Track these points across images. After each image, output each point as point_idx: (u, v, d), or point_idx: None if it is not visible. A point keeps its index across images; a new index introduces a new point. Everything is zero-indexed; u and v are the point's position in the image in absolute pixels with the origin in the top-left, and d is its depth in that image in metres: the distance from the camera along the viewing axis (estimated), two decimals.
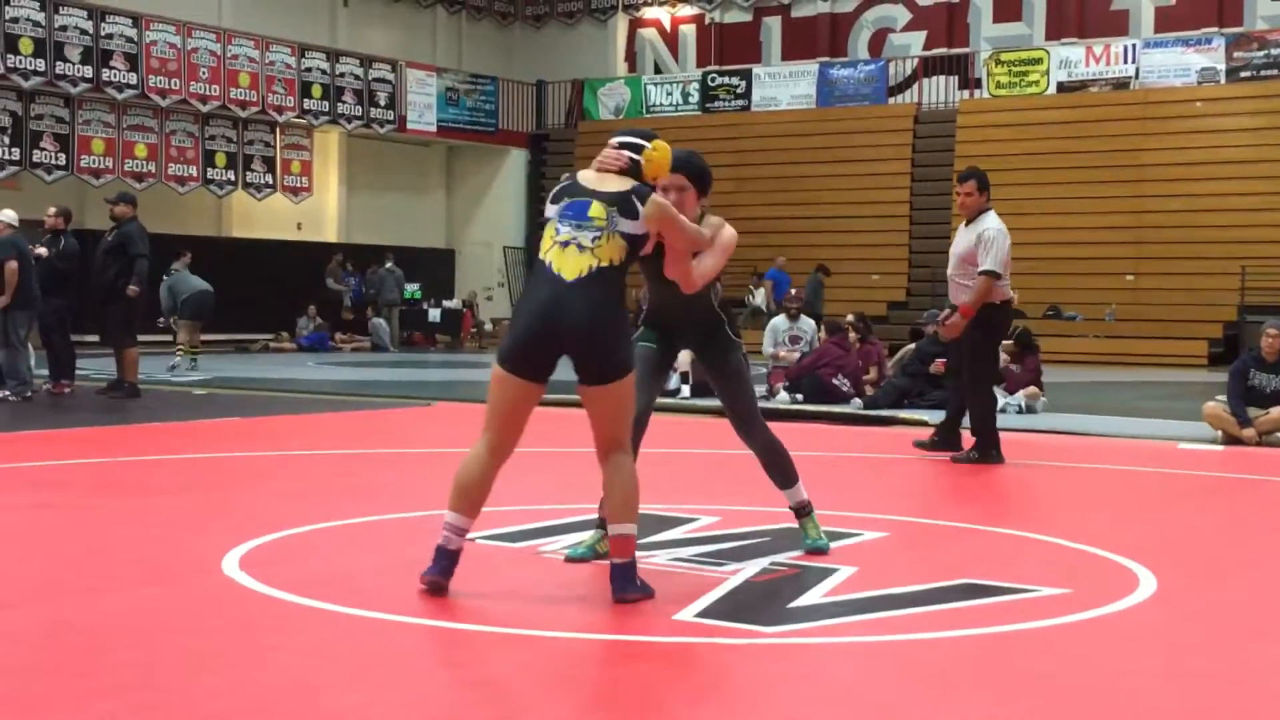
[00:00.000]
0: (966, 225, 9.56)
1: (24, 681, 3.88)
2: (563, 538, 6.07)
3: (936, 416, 10.46)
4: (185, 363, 17.76)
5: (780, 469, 5.89)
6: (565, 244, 4.93)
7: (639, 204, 4.98)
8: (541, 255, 5.00)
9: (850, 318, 15.52)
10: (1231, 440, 10.77)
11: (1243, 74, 25.18)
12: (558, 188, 5.11)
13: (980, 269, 9.21)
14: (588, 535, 5.82)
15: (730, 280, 15.00)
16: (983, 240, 9.26)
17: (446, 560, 4.94)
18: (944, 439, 9.76)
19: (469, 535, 5.08)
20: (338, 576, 5.33)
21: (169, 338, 18.42)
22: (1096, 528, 6.84)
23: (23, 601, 4.87)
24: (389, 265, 27.15)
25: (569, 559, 5.67)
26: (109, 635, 4.41)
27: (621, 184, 5.03)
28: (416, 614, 4.70)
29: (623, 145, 5.16)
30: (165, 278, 18.14)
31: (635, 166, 5.12)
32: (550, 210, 5.04)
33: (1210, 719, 3.72)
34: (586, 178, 5.09)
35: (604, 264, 4.91)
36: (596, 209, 4.95)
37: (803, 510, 5.95)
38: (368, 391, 15.33)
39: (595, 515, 5.74)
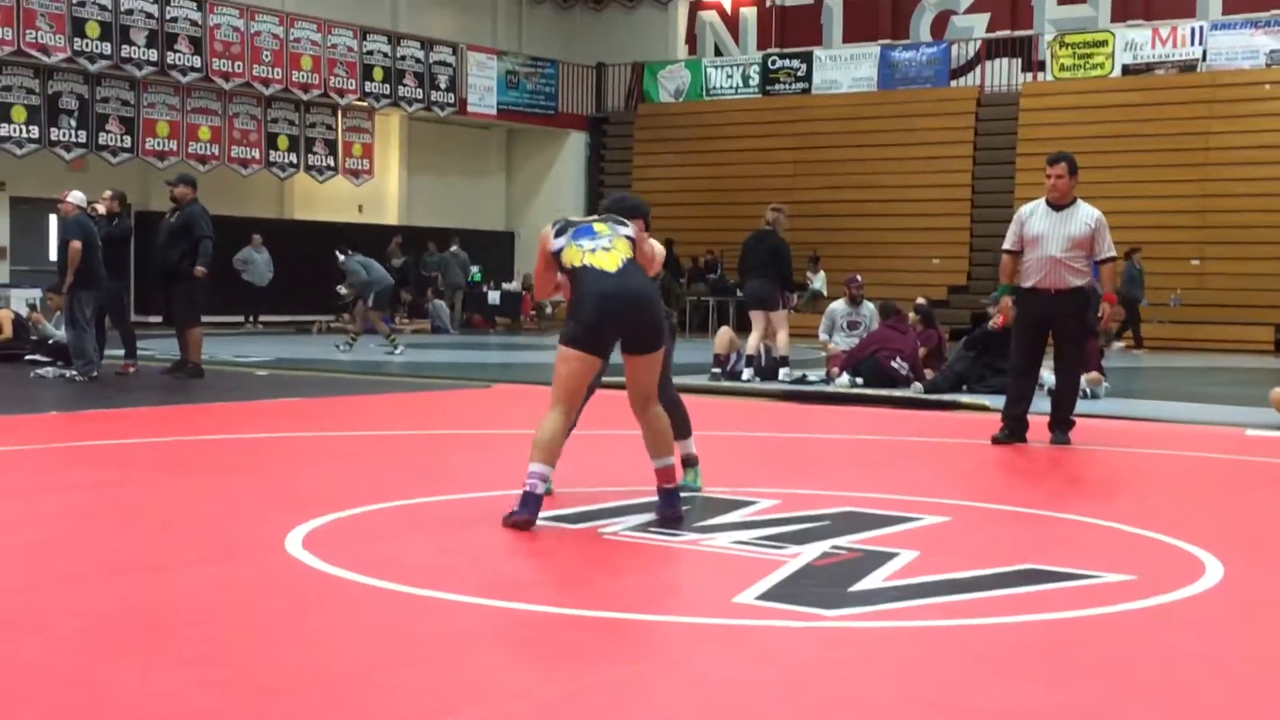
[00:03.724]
0: (1056, 210, 9.49)
1: (91, 656, 3.93)
2: (622, 519, 6.08)
3: (997, 401, 10.34)
4: (390, 346, 18.34)
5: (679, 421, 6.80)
6: (593, 250, 6.03)
7: (621, 216, 6.29)
8: (578, 264, 6.00)
9: (923, 301, 15.41)
10: None
11: None
12: (557, 228, 6.15)
13: (1103, 255, 9.60)
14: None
15: (795, 265, 14.93)
16: (1102, 225, 9.55)
17: (535, 503, 5.83)
18: (1016, 430, 9.60)
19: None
20: (398, 556, 5.36)
21: (238, 318, 18.53)
22: (1161, 514, 6.76)
23: (90, 577, 4.93)
24: (454, 249, 27.20)
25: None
26: (174, 612, 4.45)
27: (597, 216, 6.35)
28: (476, 594, 4.71)
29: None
30: (345, 258, 18.58)
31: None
32: (560, 241, 6.08)
33: None
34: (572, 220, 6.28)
35: (629, 257, 6.07)
36: (600, 226, 6.16)
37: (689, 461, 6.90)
38: (427, 373, 15.40)
39: (648, 498, 6.34)
